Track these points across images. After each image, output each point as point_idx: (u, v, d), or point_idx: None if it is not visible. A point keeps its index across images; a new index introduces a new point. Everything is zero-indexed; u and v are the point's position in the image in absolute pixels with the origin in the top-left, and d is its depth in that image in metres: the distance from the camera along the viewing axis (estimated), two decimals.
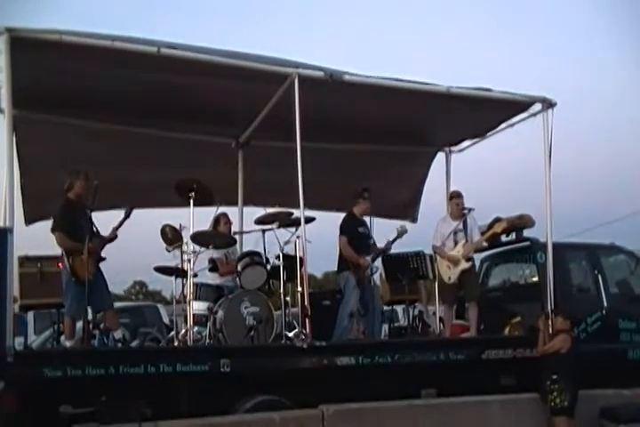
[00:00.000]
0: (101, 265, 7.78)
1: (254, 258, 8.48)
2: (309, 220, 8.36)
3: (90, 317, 7.47)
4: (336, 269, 9.20)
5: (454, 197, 9.52)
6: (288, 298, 8.35)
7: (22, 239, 6.98)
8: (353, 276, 8.70)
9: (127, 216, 7.95)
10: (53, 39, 6.89)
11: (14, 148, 7.34)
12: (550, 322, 8.30)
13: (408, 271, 8.79)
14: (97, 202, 7.65)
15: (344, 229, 9.02)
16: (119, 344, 7.75)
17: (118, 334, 7.76)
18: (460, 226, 9.34)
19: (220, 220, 9.23)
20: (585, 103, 59.14)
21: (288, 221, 8.55)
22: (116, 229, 7.92)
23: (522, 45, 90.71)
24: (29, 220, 9.30)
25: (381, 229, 9.30)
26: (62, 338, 8.10)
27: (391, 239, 9.18)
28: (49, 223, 7.73)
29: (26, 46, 6.77)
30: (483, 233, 9.46)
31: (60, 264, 7.40)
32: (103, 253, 7.85)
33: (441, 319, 9.63)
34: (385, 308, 9.89)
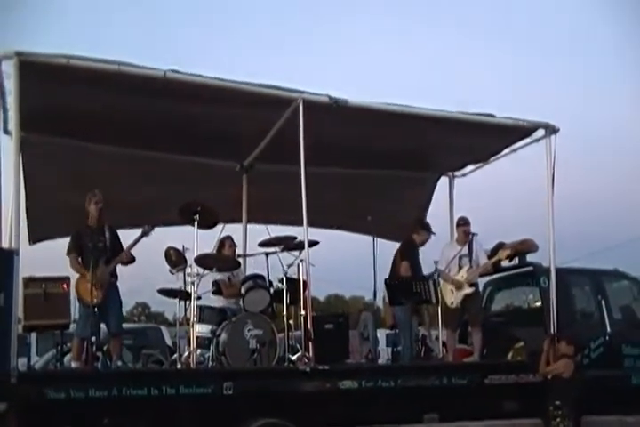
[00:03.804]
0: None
1: (257, 281, 8.49)
2: (313, 243, 8.39)
3: (94, 339, 7.49)
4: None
5: (460, 221, 9.57)
6: (291, 321, 8.37)
7: (27, 260, 7.00)
8: None
9: (144, 235, 8.02)
10: (61, 63, 6.98)
11: (21, 169, 7.38)
12: (554, 345, 8.29)
13: (411, 295, 8.77)
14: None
15: (406, 254, 9.34)
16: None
17: (116, 363, 7.84)
18: (465, 251, 9.37)
19: (225, 243, 9.27)
20: (587, 129, 59.22)
21: (292, 245, 8.58)
22: (131, 247, 8.01)
23: (524, 70, 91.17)
24: (33, 239, 9.35)
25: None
26: (66, 359, 8.14)
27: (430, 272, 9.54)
28: (53, 244, 7.83)
29: (34, 70, 6.87)
30: (488, 258, 9.47)
31: (65, 285, 7.46)
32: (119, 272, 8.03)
33: (444, 344, 9.60)
34: (388, 332, 9.89)
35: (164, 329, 14.50)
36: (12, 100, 7.10)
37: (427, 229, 9.72)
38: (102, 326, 7.81)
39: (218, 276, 8.82)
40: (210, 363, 7.86)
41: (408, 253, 9.43)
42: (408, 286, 8.81)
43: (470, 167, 11.14)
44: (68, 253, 7.88)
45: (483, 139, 9.54)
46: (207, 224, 8.67)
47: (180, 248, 8.38)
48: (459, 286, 9.18)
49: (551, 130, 9.11)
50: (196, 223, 8.32)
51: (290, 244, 8.64)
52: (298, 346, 8.15)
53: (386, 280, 9.06)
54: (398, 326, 9.19)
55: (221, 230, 9.55)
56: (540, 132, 9.25)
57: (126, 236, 8.35)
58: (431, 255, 9.86)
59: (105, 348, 8.06)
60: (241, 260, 9.56)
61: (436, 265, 9.53)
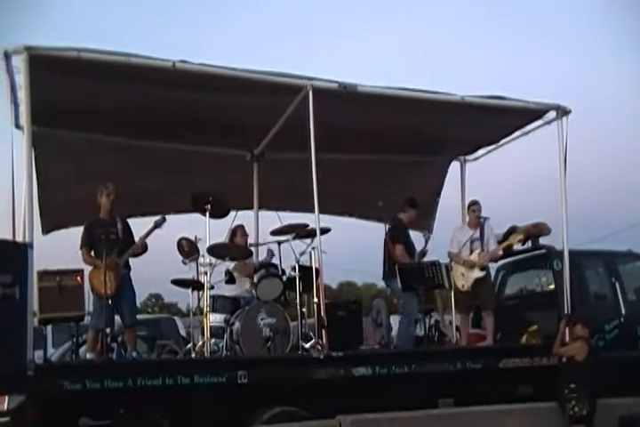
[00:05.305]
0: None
1: (270, 270, 8.53)
2: (325, 231, 8.39)
3: (108, 330, 7.55)
4: (384, 276, 9.34)
5: (472, 204, 9.55)
6: (304, 309, 8.39)
7: (40, 252, 7.04)
8: None
9: (157, 226, 8.04)
10: (71, 56, 6.99)
11: (33, 162, 7.41)
12: (570, 327, 8.28)
13: (424, 281, 8.78)
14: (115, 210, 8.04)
15: (398, 237, 9.21)
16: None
17: (131, 353, 7.90)
18: (477, 235, 9.35)
19: (237, 232, 9.29)
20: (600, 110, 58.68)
21: (304, 233, 8.59)
22: (144, 238, 8.02)
23: (534, 51, 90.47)
24: (46, 230, 9.45)
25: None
26: (82, 350, 8.20)
27: (423, 246, 9.43)
28: (67, 236, 7.88)
29: (44, 64, 6.89)
30: (499, 243, 9.45)
31: (79, 278, 7.51)
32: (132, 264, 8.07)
33: (457, 328, 9.61)
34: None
35: (177, 319, 14.62)
36: (22, 95, 7.11)
37: (413, 206, 9.52)
38: (116, 317, 7.87)
39: (230, 265, 8.86)
40: (224, 352, 7.91)
41: (399, 235, 9.26)
42: (420, 271, 8.80)
43: (482, 151, 11.10)
44: (80, 247, 7.93)
45: (494, 122, 9.51)
46: (219, 214, 8.70)
47: (193, 238, 8.42)
48: (470, 266, 9.17)
49: (562, 112, 9.05)
50: (207, 213, 8.36)
51: (302, 232, 8.64)
52: (311, 334, 8.16)
53: (398, 266, 9.06)
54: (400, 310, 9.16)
55: (233, 219, 9.60)
56: (552, 114, 9.18)
57: (139, 225, 8.41)
58: (441, 239, 9.86)
59: (119, 339, 8.14)
60: (253, 249, 9.59)
61: (424, 237, 9.53)
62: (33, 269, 6.74)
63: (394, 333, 9.69)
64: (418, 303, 8.91)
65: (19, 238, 7.06)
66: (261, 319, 7.89)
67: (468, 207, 9.64)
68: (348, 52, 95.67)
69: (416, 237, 9.69)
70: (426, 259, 9.34)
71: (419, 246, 9.50)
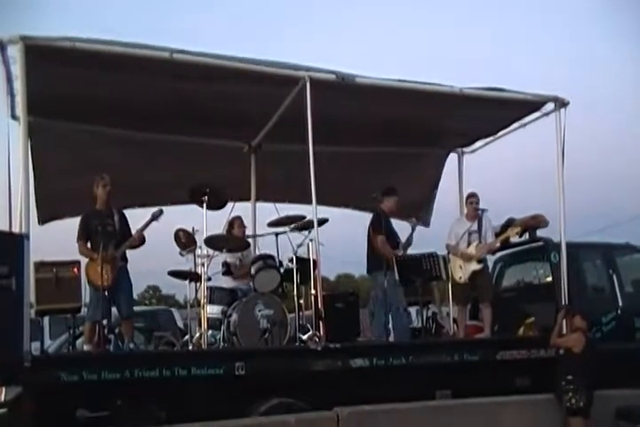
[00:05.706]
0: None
1: (267, 261, 8.50)
2: (322, 221, 8.36)
3: (105, 322, 7.53)
4: (368, 268, 9.20)
5: (470, 197, 9.52)
6: (301, 301, 8.39)
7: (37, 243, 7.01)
8: (391, 274, 8.67)
9: (154, 218, 8.00)
10: (67, 47, 6.95)
11: (29, 153, 7.36)
12: (568, 318, 8.29)
13: (421, 273, 8.76)
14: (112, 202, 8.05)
15: (378, 227, 8.97)
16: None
17: (128, 345, 7.89)
18: (475, 227, 9.33)
19: (235, 223, 9.30)
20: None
21: (302, 225, 8.56)
22: (141, 230, 7.99)
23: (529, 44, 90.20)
24: (43, 220, 9.43)
25: None
26: (79, 342, 8.19)
27: (409, 234, 9.29)
28: (63, 226, 7.86)
29: (40, 54, 6.83)
30: (497, 235, 9.44)
31: (76, 269, 7.48)
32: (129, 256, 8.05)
33: (455, 320, 9.61)
34: None
35: (174, 311, 14.61)
36: (18, 85, 7.07)
37: (389, 193, 9.27)
38: (113, 309, 7.85)
39: (229, 258, 8.84)
40: (221, 344, 7.93)
41: (379, 226, 9.01)
42: (417, 263, 8.78)
43: (479, 143, 11.08)
44: (77, 240, 7.91)
45: (492, 114, 9.49)
46: (216, 205, 8.69)
47: (190, 230, 8.40)
48: (467, 259, 9.16)
49: (560, 103, 9.03)
50: (204, 205, 8.34)
51: (301, 224, 8.60)
52: (308, 325, 8.15)
53: (396, 258, 9.04)
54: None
55: (231, 211, 9.58)
56: (550, 106, 9.16)
57: (136, 217, 8.38)
58: (439, 232, 9.84)
59: (117, 331, 8.12)
60: (251, 240, 9.57)
61: (410, 223, 9.39)
62: (29, 261, 6.70)
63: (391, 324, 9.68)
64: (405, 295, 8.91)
65: (15, 229, 7.03)
66: (259, 311, 7.88)
67: (466, 199, 9.63)
68: (346, 44, 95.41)
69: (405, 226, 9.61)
70: (411, 249, 9.27)
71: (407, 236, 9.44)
